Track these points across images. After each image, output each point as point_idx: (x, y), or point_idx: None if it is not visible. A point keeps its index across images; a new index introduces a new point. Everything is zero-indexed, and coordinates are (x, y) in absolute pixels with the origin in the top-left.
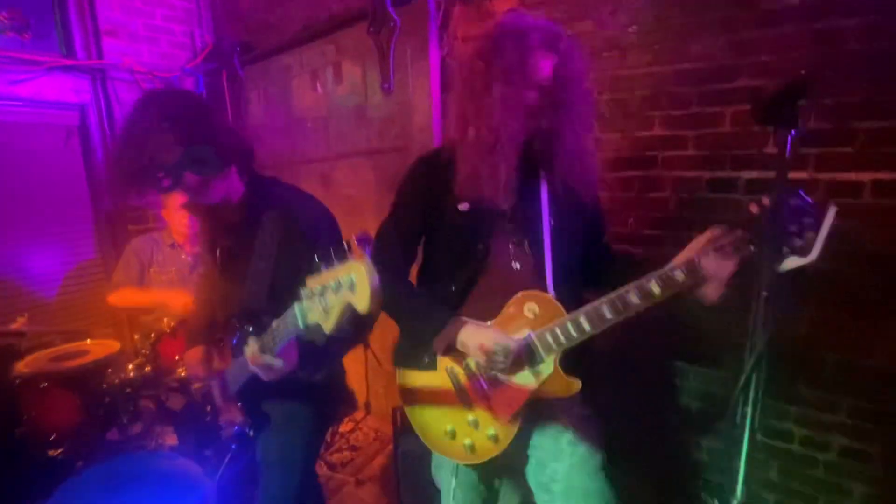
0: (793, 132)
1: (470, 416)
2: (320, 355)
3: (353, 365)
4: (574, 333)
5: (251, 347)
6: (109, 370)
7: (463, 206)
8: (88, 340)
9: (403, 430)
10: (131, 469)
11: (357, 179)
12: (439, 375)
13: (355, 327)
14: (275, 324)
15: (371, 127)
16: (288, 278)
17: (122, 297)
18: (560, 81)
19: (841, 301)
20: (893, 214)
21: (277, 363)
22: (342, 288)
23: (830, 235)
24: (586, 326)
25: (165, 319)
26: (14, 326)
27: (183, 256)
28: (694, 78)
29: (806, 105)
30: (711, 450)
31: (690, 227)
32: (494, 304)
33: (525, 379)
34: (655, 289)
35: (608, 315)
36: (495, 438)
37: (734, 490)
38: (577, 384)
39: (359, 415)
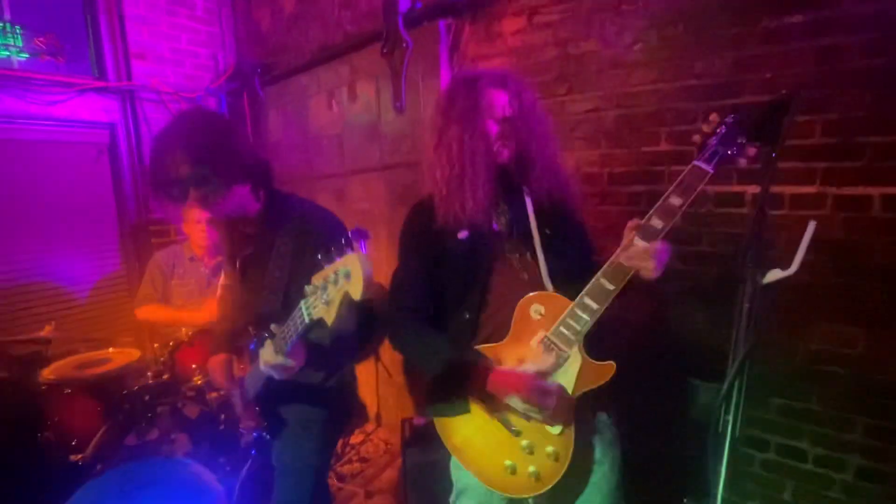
0: (773, 154)
1: (523, 443)
2: (327, 355)
3: (364, 377)
4: (584, 315)
5: (266, 350)
6: (129, 378)
7: (462, 235)
8: (111, 349)
9: (412, 442)
10: (147, 474)
11: (370, 194)
12: (478, 414)
13: (359, 327)
14: (284, 325)
15: (384, 144)
16: (301, 287)
17: (149, 312)
18: (516, 111)
19: (853, 316)
20: None
21: (288, 362)
22: (340, 279)
23: (810, 249)
24: (593, 305)
25: (183, 329)
26: (42, 333)
27: (202, 269)
28: (699, 94)
29: (793, 121)
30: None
31: (697, 242)
32: (510, 318)
33: (560, 381)
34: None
35: (609, 286)
36: (555, 456)
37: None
38: (610, 367)
39: (369, 426)
